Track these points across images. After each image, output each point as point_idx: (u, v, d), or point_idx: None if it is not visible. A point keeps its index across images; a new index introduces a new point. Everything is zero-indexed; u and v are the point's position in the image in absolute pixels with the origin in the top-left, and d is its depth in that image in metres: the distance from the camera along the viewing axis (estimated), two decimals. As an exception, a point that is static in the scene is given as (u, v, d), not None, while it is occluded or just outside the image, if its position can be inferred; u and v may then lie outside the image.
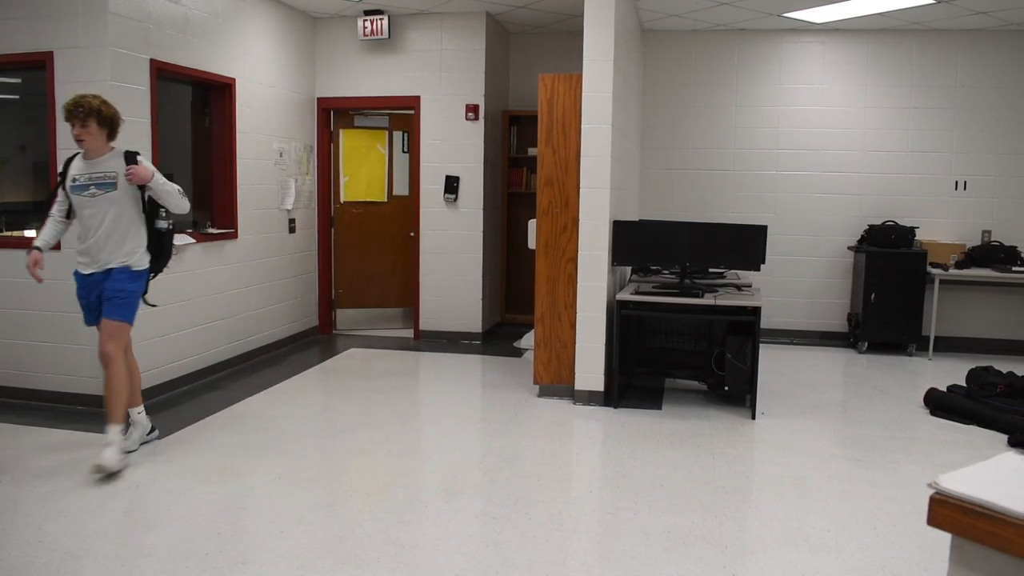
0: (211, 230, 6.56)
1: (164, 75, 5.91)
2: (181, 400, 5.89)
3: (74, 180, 4.43)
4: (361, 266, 8.46)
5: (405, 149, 8.36)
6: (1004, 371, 6.20)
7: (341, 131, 8.35)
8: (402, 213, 8.38)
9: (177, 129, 6.62)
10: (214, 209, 6.74)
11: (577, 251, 5.92)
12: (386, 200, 8.43)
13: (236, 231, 6.78)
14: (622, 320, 5.86)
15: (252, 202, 7.01)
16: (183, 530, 3.70)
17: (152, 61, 5.70)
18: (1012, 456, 1.70)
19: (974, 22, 7.63)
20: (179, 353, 6.14)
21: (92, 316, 4.56)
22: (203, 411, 5.60)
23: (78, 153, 4.50)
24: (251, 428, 5.29)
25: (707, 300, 5.72)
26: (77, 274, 4.54)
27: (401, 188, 8.42)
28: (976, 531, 1.45)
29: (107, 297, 4.46)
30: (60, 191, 4.51)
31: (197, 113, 6.68)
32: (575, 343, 5.98)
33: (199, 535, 3.65)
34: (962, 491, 1.49)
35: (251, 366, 6.93)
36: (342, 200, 8.41)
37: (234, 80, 6.66)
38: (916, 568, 3.48)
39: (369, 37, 7.87)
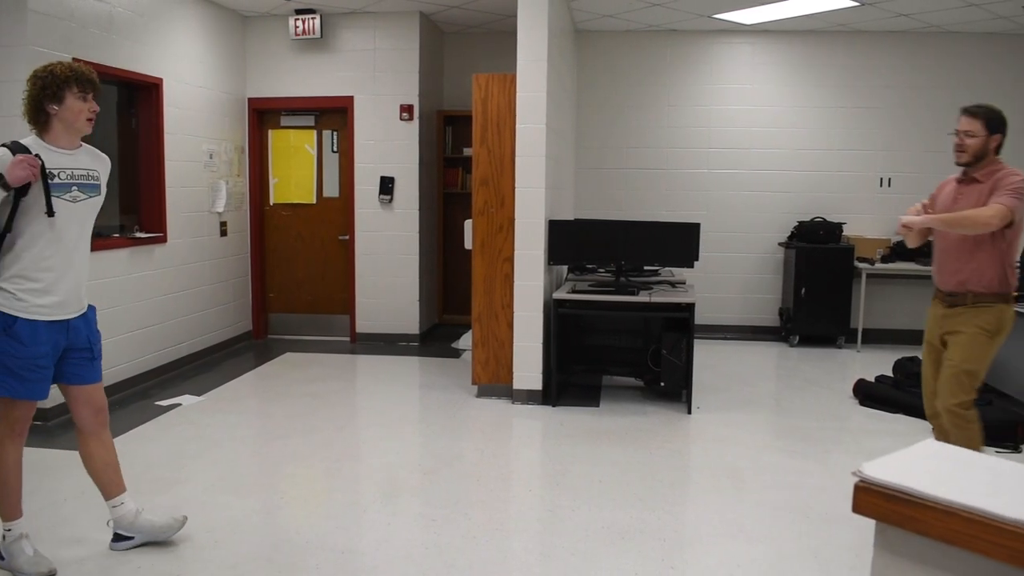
0: (139, 234, 6.39)
1: (87, 75, 5.74)
2: (110, 409, 5.71)
3: (51, 175, 3.12)
4: (292, 269, 8.34)
5: (335, 149, 8.25)
6: (928, 361, 6.39)
7: (269, 131, 8.22)
8: (332, 215, 8.27)
9: (102, 130, 6.41)
10: (142, 212, 6.57)
11: (513, 251, 5.93)
12: (315, 202, 8.30)
13: (165, 235, 6.62)
14: (559, 319, 5.89)
15: (181, 205, 6.85)
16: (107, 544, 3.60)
17: (74, 60, 5.52)
18: (932, 442, 1.76)
19: (896, 24, 7.86)
20: (106, 362, 5.92)
21: (47, 384, 3.24)
22: (133, 420, 5.46)
23: (19, 140, 3.16)
24: (183, 436, 5.17)
25: (642, 297, 5.79)
26: (35, 325, 3.13)
27: (331, 189, 8.27)
28: (898, 516, 1.49)
29: (92, 350, 3.39)
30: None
31: (123, 114, 6.51)
32: (513, 342, 5.99)
33: (133, 550, 3.55)
34: (884, 478, 1.53)
35: (183, 373, 6.78)
36: (272, 202, 8.28)
37: (161, 80, 6.50)
38: (848, 554, 3.57)
39: (301, 36, 7.77)
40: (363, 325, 8.21)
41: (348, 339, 8.26)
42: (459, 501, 4.17)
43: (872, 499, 1.53)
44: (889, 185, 8.35)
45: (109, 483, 3.50)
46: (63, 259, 3.19)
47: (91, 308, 3.41)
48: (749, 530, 3.85)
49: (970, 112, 3.86)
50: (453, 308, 9.03)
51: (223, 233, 7.65)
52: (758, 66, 8.47)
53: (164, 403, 5.88)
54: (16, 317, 3.09)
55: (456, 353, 7.69)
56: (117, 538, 3.52)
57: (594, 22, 8.14)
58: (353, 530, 3.80)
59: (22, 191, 3.05)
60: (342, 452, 4.96)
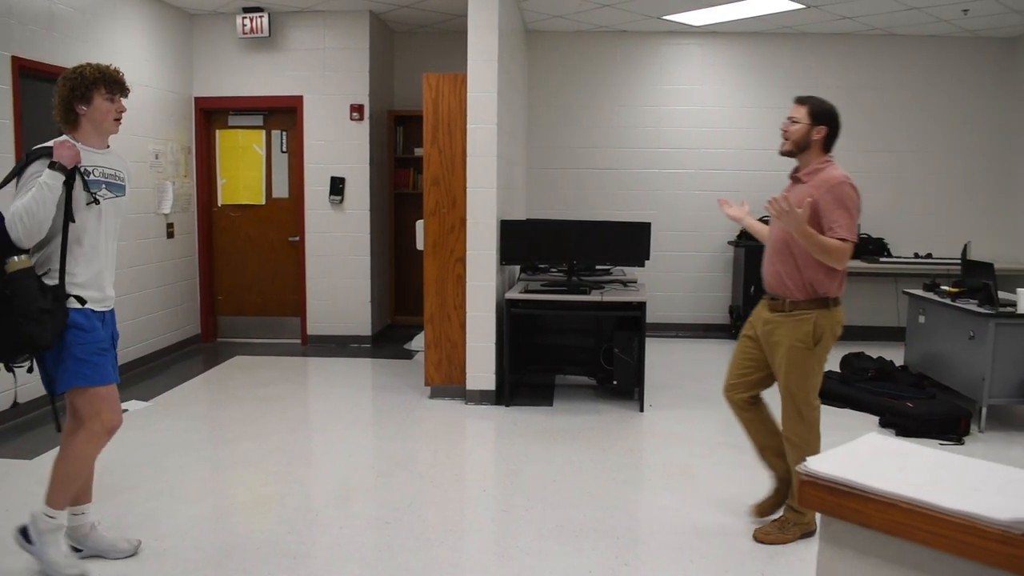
0: (83, 237, 6.25)
1: (28, 73, 5.59)
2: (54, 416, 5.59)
3: (86, 172, 3.23)
4: (242, 271, 8.23)
5: (284, 149, 8.16)
6: (875, 356, 6.53)
7: (217, 131, 8.10)
8: (282, 216, 8.17)
9: (44, 131, 6.24)
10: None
11: (465, 251, 5.93)
12: (264, 203, 8.19)
13: (110, 237, 6.48)
14: (512, 319, 5.90)
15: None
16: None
17: (14, 58, 5.39)
18: (875, 436, 1.79)
19: (841, 26, 8.02)
20: (50, 366, 5.83)
21: (116, 367, 3.40)
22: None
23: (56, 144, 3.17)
24: (130, 443, 5.06)
25: (594, 297, 5.82)
26: (86, 312, 3.23)
27: (281, 190, 8.17)
28: (842, 509, 1.52)
29: (115, 348, 3.45)
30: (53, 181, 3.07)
31: (65, 114, 6.35)
32: (465, 343, 5.98)
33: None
34: (828, 472, 1.55)
35: (129, 378, 6.64)
36: (220, 203, 8.16)
37: (104, 79, 6.36)
38: (799, 548, 3.63)
39: (248, 35, 7.67)
40: (314, 327, 8.13)
41: (299, 341, 8.18)
42: (412, 503, 4.15)
43: (817, 493, 1.56)
44: (835, 184, 8.49)
45: (83, 490, 3.48)
46: (98, 254, 3.30)
47: (113, 310, 3.46)
48: (702, 526, 3.89)
49: (799, 99, 3.69)
50: (405, 309, 8.99)
51: (170, 235, 7.51)
52: (707, 67, 8.57)
53: (110, 409, 5.75)
54: (70, 309, 3.19)
55: (409, 354, 7.66)
56: (24, 533, 3.34)
57: (544, 22, 8.16)
58: (305, 535, 3.76)
59: (68, 185, 3.14)
60: (293, 456, 4.91)
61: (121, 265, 6.58)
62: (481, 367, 5.97)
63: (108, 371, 3.30)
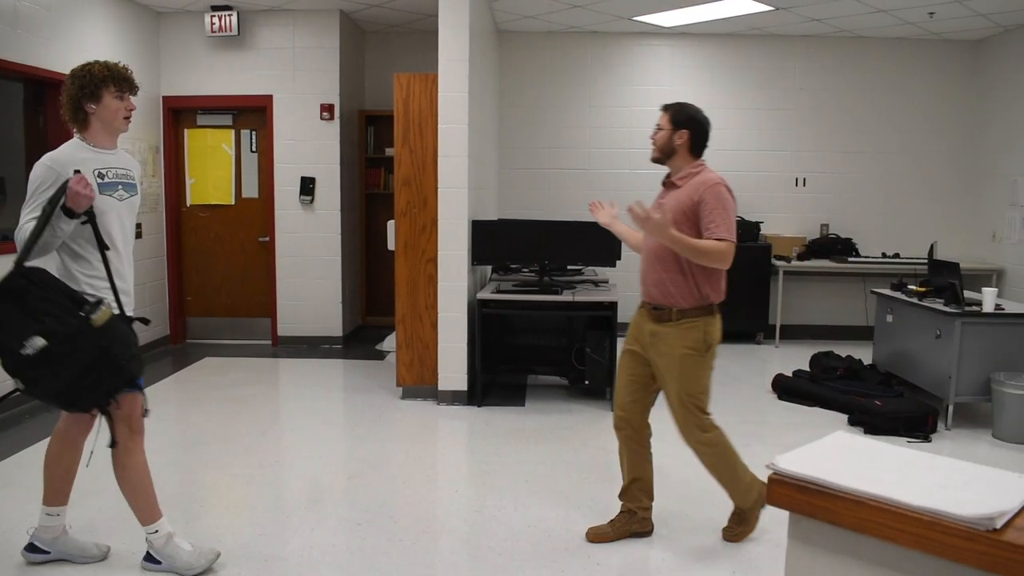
0: (48, 237, 6.16)
1: (-10, 72, 5.52)
2: (20, 419, 5.51)
3: (100, 175, 3.17)
4: (211, 272, 8.15)
5: (253, 148, 8.09)
6: (843, 355, 6.60)
7: (185, 131, 8.02)
8: (251, 216, 8.10)
9: (8, 129, 6.18)
10: (51, 215, 6.33)
11: (437, 251, 5.91)
12: (234, 203, 8.12)
13: (76, 238, 6.38)
14: (483, 319, 5.89)
15: (93, 207, 6.62)
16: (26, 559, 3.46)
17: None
18: (842, 435, 1.81)
19: (809, 28, 8.09)
20: (15, 369, 5.73)
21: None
22: (44, 431, 5.23)
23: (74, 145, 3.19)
24: (98, 446, 4.97)
25: (566, 297, 5.83)
26: (120, 318, 3.14)
27: (250, 190, 8.11)
28: (810, 507, 1.53)
29: None
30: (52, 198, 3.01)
31: (30, 112, 6.26)
32: (437, 343, 5.96)
33: (43, 564, 3.41)
34: (796, 470, 1.56)
35: (97, 380, 6.55)
36: (188, 203, 8.07)
37: (69, 78, 6.28)
38: (769, 544, 3.66)
39: (217, 34, 7.60)
40: (285, 328, 8.07)
41: (269, 342, 8.11)
42: (384, 504, 4.13)
43: (785, 491, 1.57)
44: (804, 185, 8.59)
45: (61, 492, 3.47)
46: (118, 256, 3.23)
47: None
48: (673, 524, 3.91)
49: (664, 106, 3.73)
50: (377, 310, 8.95)
51: (138, 236, 7.37)
52: (677, 68, 8.61)
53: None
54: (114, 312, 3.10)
55: (380, 355, 7.63)
56: (33, 548, 3.39)
57: (516, 23, 8.16)
58: (276, 537, 3.73)
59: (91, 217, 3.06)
60: (264, 458, 4.86)
61: (87, 266, 6.51)
62: (453, 367, 5.95)
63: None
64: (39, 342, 2.85)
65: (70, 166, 3.06)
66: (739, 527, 3.74)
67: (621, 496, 3.84)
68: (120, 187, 3.25)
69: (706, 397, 3.63)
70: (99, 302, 2.99)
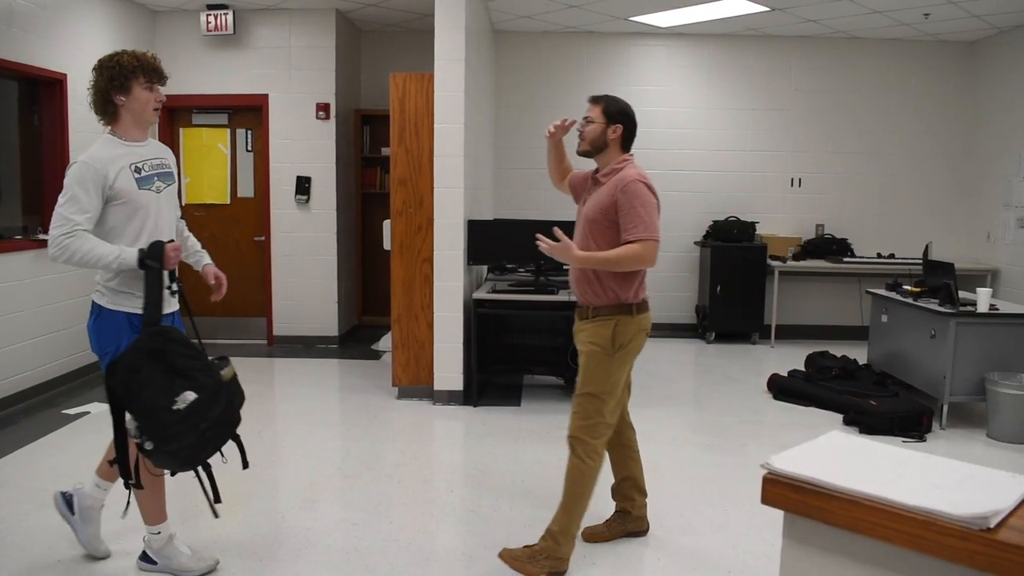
0: (43, 236, 6.14)
1: (-16, 70, 5.50)
2: (15, 419, 5.50)
3: (137, 170, 3.12)
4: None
5: (249, 148, 8.08)
6: (839, 355, 6.60)
7: (181, 130, 8.00)
8: (247, 216, 8.09)
9: (2, 129, 6.16)
10: (46, 214, 6.31)
11: (433, 251, 5.91)
12: (229, 202, 8.10)
13: (71, 237, 6.37)
14: (479, 319, 5.89)
15: (88, 206, 6.60)
16: (20, 559, 3.45)
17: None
18: (837, 434, 1.81)
19: (805, 29, 8.10)
20: (11, 369, 5.73)
21: None
22: (40, 430, 5.25)
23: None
24: (93, 446, 4.97)
25: (562, 296, 5.83)
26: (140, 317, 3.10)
27: (246, 189, 8.09)
28: (805, 507, 1.53)
29: None
30: (94, 195, 3.01)
31: (25, 111, 6.24)
32: (433, 343, 5.96)
33: (38, 564, 3.41)
34: (791, 470, 1.56)
35: (91, 380, 6.54)
36: (183, 203, 8.06)
37: (65, 76, 6.26)
38: (764, 544, 3.66)
39: (213, 33, 7.59)
40: (280, 328, 8.07)
41: (265, 342, 8.10)
42: (380, 504, 4.13)
43: (780, 490, 1.57)
44: (800, 185, 8.60)
45: (109, 471, 3.43)
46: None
47: (175, 313, 3.38)
48: (669, 524, 3.91)
49: (593, 98, 3.55)
50: (372, 309, 8.94)
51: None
52: (673, 68, 8.62)
53: (72, 411, 5.66)
54: (131, 313, 3.11)
55: (376, 355, 7.62)
56: (145, 558, 3.39)
57: (512, 23, 8.16)
58: (272, 538, 3.72)
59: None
60: (260, 458, 4.85)
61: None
62: (449, 367, 5.95)
63: None
64: (190, 396, 2.90)
65: (110, 164, 3.02)
66: (526, 562, 3.40)
67: (613, 496, 3.83)
68: (156, 178, 3.19)
69: (608, 403, 3.39)
70: (225, 358, 3.11)
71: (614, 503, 3.83)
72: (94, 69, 3.14)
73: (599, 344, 3.38)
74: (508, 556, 3.46)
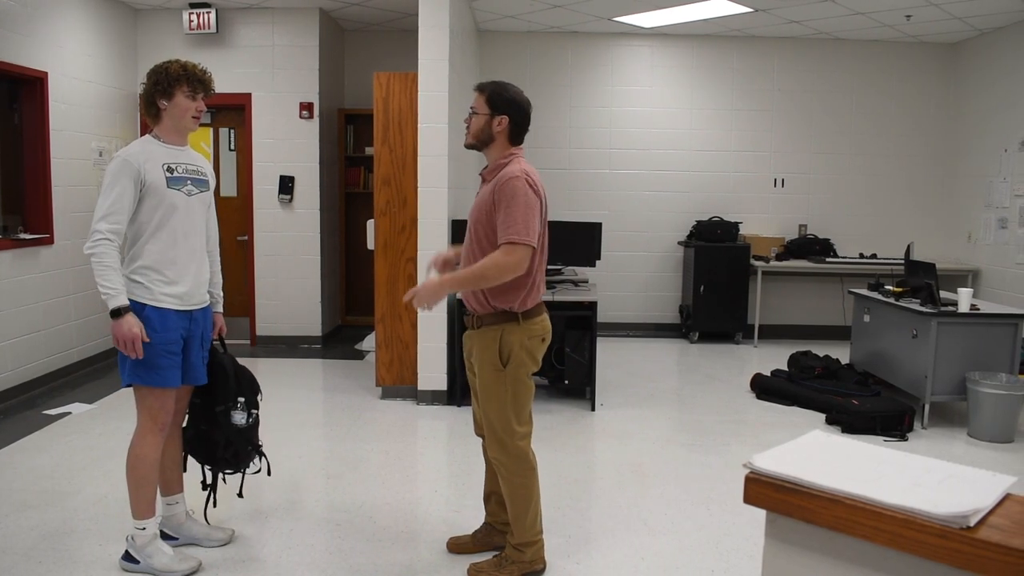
0: (23, 235, 6.09)
1: (-37, 68, 5.44)
2: (-8, 420, 5.45)
3: (170, 170, 3.26)
4: (193, 271, 8.08)
5: (232, 147, 8.04)
6: (821, 355, 6.64)
7: (166, 129, 7.94)
8: (230, 215, 8.03)
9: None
10: (26, 212, 6.26)
11: (416, 251, 5.89)
12: (212, 201, 8.06)
13: (52, 236, 6.32)
14: (463, 319, 5.87)
15: (69, 205, 6.55)
16: (-6, 560, 3.42)
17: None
18: (819, 433, 1.81)
19: (788, 30, 8.14)
20: (-12, 369, 5.69)
21: (178, 371, 3.29)
22: (20, 431, 5.20)
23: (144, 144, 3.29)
24: (74, 447, 4.95)
25: (545, 297, 5.81)
26: (164, 312, 3.21)
27: (229, 188, 8.05)
28: (787, 506, 1.53)
29: (204, 347, 3.45)
30: (128, 188, 3.16)
31: (4, 109, 6.18)
32: (417, 343, 5.95)
33: (16, 566, 3.37)
34: (773, 469, 1.57)
35: (72, 380, 6.49)
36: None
37: (46, 74, 6.21)
38: (747, 543, 3.67)
39: (195, 31, 7.54)
40: (263, 328, 8.03)
41: (248, 342, 8.06)
42: (363, 504, 4.11)
43: (762, 490, 1.57)
44: (783, 186, 8.64)
45: (173, 480, 3.58)
46: (185, 251, 3.30)
47: (208, 307, 3.49)
48: (652, 524, 3.92)
49: (479, 86, 3.22)
50: (356, 309, 8.92)
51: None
52: (657, 69, 8.64)
53: (53, 412, 5.61)
54: (145, 304, 3.19)
55: (359, 355, 7.60)
56: (164, 536, 3.48)
57: (496, 22, 8.16)
58: (255, 539, 3.70)
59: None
60: (242, 458, 4.83)
61: (63, 265, 6.47)
62: (432, 367, 5.94)
63: (169, 374, 3.23)
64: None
65: (143, 159, 3.18)
66: (495, 570, 3.33)
67: (485, 505, 3.65)
68: (189, 182, 3.31)
69: (516, 420, 3.25)
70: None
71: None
72: (147, 73, 3.35)
73: (488, 361, 3.20)
74: (475, 570, 3.36)
